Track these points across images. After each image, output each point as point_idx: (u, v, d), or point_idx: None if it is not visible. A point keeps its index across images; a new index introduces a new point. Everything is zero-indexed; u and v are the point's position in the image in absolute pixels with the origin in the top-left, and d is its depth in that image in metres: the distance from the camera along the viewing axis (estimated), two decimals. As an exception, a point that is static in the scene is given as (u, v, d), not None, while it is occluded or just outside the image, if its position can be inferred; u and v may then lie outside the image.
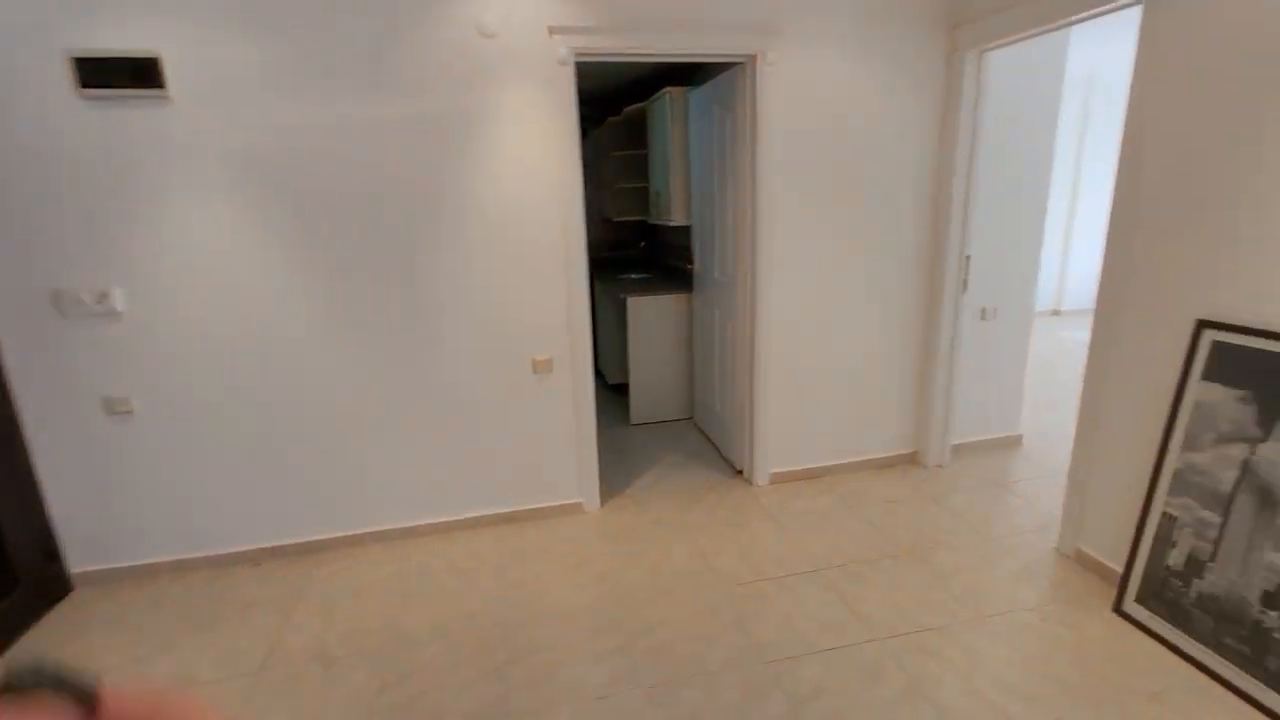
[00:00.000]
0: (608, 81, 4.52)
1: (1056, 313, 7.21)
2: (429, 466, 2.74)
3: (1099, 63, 6.23)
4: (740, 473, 3.28)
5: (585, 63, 2.60)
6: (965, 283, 3.06)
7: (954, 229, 2.98)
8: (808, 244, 2.92)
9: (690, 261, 3.88)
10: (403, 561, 2.60)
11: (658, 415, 4.07)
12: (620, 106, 5.00)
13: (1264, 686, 1.73)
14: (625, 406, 4.25)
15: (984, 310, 3.26)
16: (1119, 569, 2.23)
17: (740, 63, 2.78)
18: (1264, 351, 1.78)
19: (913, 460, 3.34)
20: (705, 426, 3.81)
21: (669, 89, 3.64)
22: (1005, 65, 2.96)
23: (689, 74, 3.94)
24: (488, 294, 2.63)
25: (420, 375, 2.64)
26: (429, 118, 2.41)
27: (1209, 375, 1.92)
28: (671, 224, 3.90)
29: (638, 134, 4.91)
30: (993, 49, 2.74)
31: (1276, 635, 1.71)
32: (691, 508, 2.96)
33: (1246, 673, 1.77)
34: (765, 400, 3.05)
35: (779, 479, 3.17)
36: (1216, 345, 1.90)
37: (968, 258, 3.03)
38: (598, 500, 2.97)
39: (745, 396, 3.12)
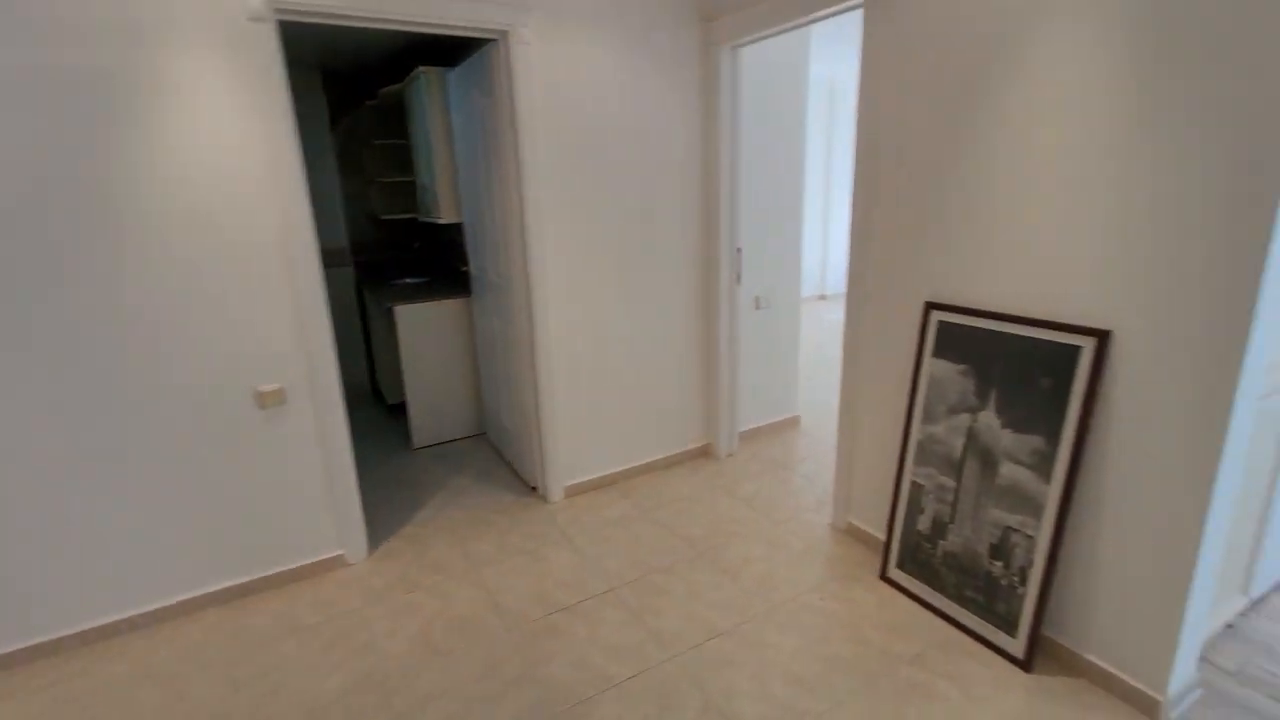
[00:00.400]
0: (354, 56, 3.94)
1: (822, 298, 8.07)
2: (112, 545, 2.07)
3: (837, 77, 7.04)
4: (534, 490, 3.03)
5: (307, 25, 2.12)
6: (739, 274, 3.14)
7: (724, 222, 3.02)
8: (582, 241, 2.75)
9: (468, 263, 3.52)
10: (76, 680, 1.92)
11: (444, 435, 3.66)
12: (375, 87, 4.42)
13: (996, 629, 1.93)
14: (407, 429, 3.76)
15: (757, 300, 3.39)
16: (883, 538, 2.40)
17: (493, 40, 2.50)
18: (976, 328, 1.97)
19: (705, 452, 3.37)
20: (497, 442, 3.50)
21: (423, 68, 3.23)
22: (756, 65, 3.07)
23: (449, 53, 3.56)
24: (180, 318, 2.04)
25: (86, 430, 1.97)
26: (67, 81, 1.77)
27: (938, 353, 2.09)
28: (441, 222, 3.50)
29: (401, 120, 4.39)
30: (744, 44, 2.80)
31: (1003, 583, 1.91)
32: (479, 538, 2.64)
33: (983, 619, 1.96)
34: (552, 408, 2.83)
35: (574, 491, 2.98)
36: (941, 325, 2.08)
37: (739, 250, 3.10)
38: (364, 548, 2.51)
39: (531, 406, 2.87)
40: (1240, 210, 1.39)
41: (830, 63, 6.42)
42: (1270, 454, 1.84)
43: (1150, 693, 1.67)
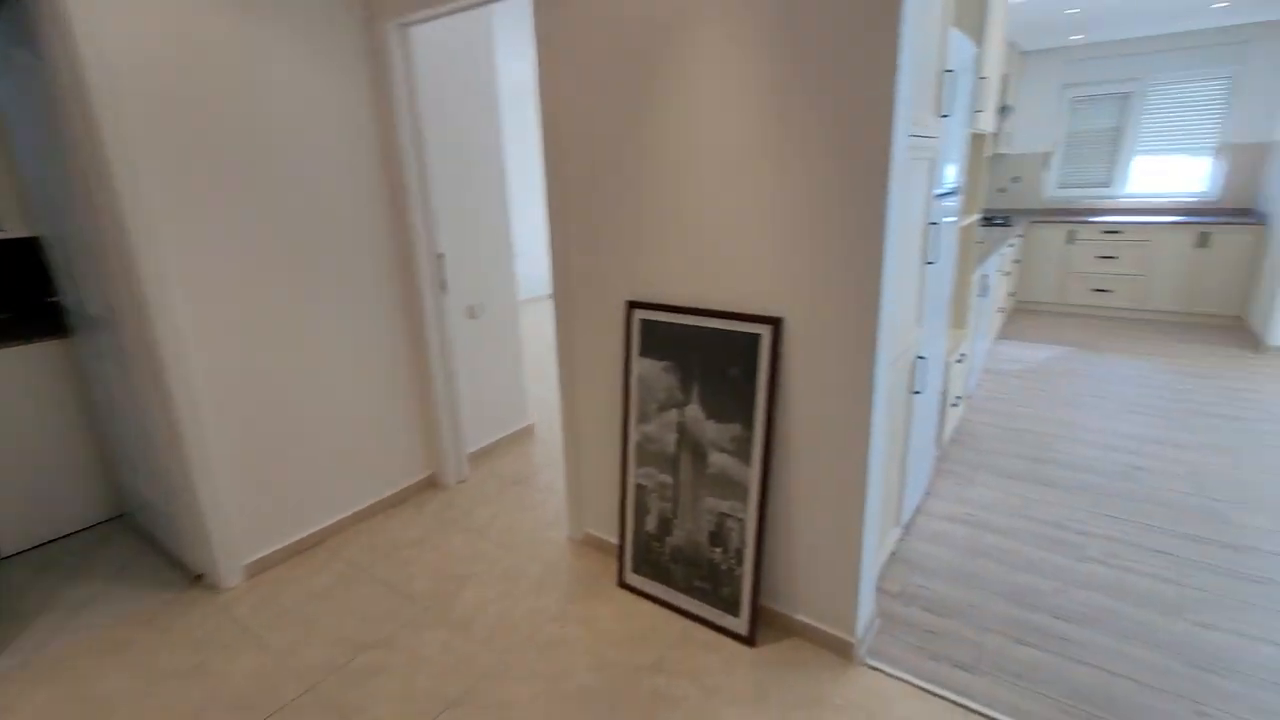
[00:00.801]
0: None
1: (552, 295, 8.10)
2: None
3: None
4: (200, 578, 2.34)
5: None
6: (444, 283, 2.82)
7: (418, 227, 2.68)
8: (228, 255, 2.16)
9: (57, 291, 2.57)
10: None
11: (52, 530, 2.65)
12: None
13: (723, 613, 1.99)
14: (-12, 530, 2.65)
15: (471, 308, 3.12)
16: (618, 543, 2.35)
17: (29, -20, 1.78)
18: (674, 324, 1.99)
19: (433, 483, 3.01)
20: (144, 522, 2.65)
21: (-70, 15, 2.21)
22: (438, 55, 2.77)
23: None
24: None
25: None
26: None
27: (644, 351, 2.08)
28: (3, 237, 2.48)
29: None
30: (413, 23, 2.47)
31: (723, 567, 1.98)
32: (108, 672, 1.92)
33: (712, 606, 2.01)
34: (207, 468, 2.19)
35: (264, 565, 2.38)
36: (644, 323, 2.07)
37: (440, 256, 2.79)
38: (-122, 747, 1.63)
39: (177, 472, 2.19)
40: (863, 210, 1.56)
41: (527, 61, 6.38)
42: (902, 404, 2.20)
43: (845, 636, 1.87)
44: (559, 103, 2.06)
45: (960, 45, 2.22)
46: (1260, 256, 4.84)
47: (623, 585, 2.22)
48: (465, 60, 2.96)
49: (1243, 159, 5.24)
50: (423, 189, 2.67)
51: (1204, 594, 2.09)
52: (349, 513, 2.67)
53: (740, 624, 1.95)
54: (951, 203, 2.47)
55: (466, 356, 3.10)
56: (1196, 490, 2.72)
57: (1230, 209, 5.34)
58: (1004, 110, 4.96)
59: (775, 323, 1.77)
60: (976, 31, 2.67)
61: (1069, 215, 5.77)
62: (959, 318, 3.21)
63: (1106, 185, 5.87)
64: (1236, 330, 5.03)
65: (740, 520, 1.92)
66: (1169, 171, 5.59)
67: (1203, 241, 5.05)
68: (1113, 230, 5.40)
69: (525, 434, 3.54)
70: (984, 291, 3.66)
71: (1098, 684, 1.75)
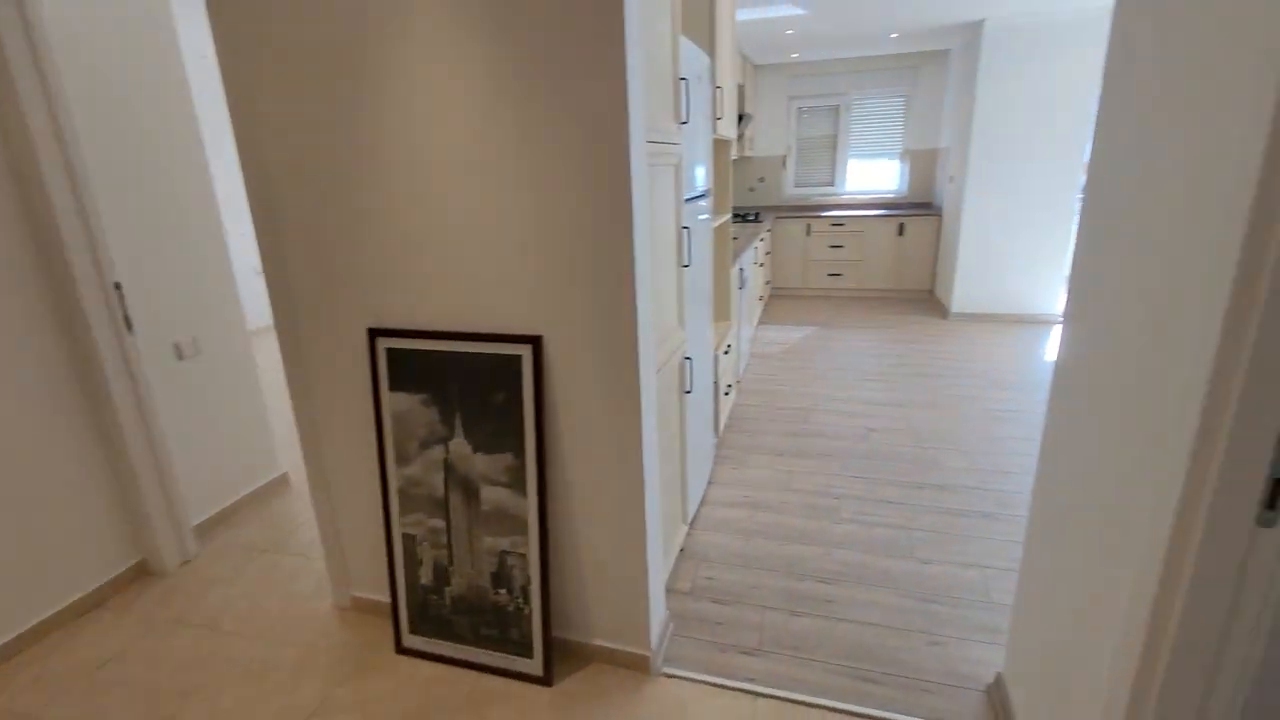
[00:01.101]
0: None
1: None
2: None
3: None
4: None
5: None
6: (127, 320, 2.22)
7: (78, 252, 2.06)
8: None
9: None
10: None
11: None
12: None
13: (515, 656, 1.84)
14: None
15: (179, 346, 2.52)
16: (390, 604, 2.06)
17: None
18: (427, 351, 1.76)
19: (144, 572, 2.38)
20: None
21: None
22: (95, 30, 2.15)
23: None
24: None
25: None
26: None
27: (395, 385, 1.82)
28: None
29: None
30: (27, -15, 1.88)
31: (510, 609, 1.83)
32: None
33: (501, 652, 1.85)
34: None
35: None
36: (391, 353, 1.81)
37: (117, 286, 2.19)
38: None
39: None
40: (608, 216, 1.50)
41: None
42: (675, 406, 2.24)
43: (640, 651, 1.84)
44: (251, 100, 1.69)
45: (692, 55, 2.31)
46: (938, 241, 6.02)
47: (401, 651, 1.95)
48: (141, 36, 2.35)
49: (920, 162, 6.46)
50: (80, 202, 2.06)
51: (925, 534, 2.47)
52: (9, 637, 1.99)
53: (535, 665, 1.82)
54: (704, 204, 2.58)
55: (180, 405, 2.51)
56: (915, 443, 3.24)
57: (916, 203, 6.56)
58: (743, 118, 5.46)
59: (535, 341, 1.66)
60: (708, 44, 2.83)
61: (806, 211, 6.61)
62: (722, 311, 3.43)
63: (831, 184, 6.83)
64: (929, 302, 6.20)
65: (523, 555, 1.78)
66: (874, 172, 6.68)
67: (901, 230, 6.12)
68: (838, 223, 6.30)
69: (277, 486, 2.99)
70: (743, 284, 3.97)
71: (854, 637, 1.95)
